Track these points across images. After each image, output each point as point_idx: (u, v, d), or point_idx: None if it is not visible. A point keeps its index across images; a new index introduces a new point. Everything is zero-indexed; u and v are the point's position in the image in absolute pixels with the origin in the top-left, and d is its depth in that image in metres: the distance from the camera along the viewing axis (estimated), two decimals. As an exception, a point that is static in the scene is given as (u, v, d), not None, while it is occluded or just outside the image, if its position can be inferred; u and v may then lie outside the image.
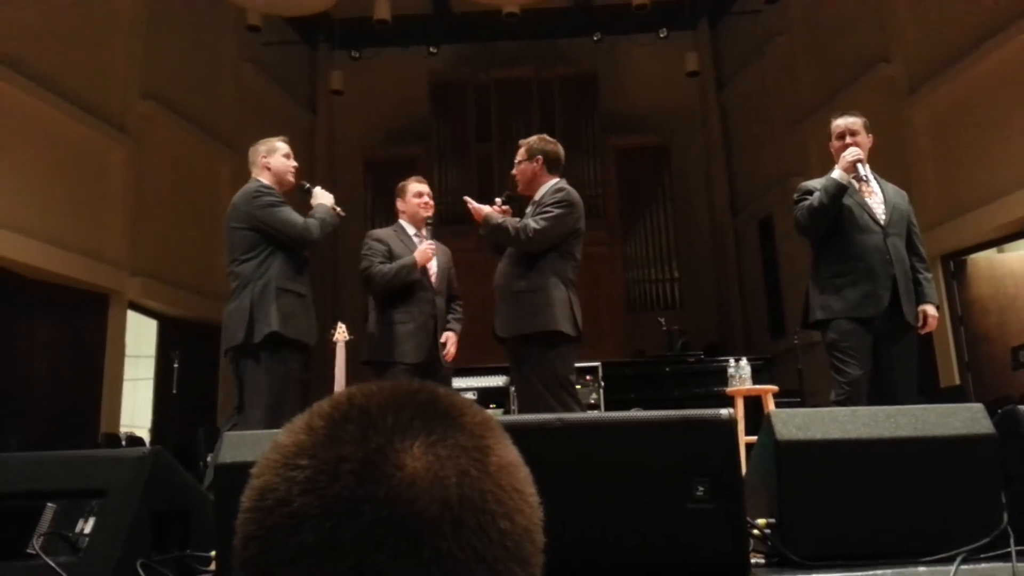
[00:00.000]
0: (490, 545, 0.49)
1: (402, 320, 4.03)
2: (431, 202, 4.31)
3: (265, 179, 3.82)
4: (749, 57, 10.66)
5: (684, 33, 11.03)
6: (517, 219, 3.77)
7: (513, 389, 5.29)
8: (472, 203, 3.88)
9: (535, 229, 3.64)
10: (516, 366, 3.73)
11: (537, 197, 3.84)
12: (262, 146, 3.90)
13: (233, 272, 3.69)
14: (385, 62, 11.10)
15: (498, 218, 3.77)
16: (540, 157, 3.84)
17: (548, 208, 3.70)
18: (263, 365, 3.55)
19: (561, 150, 3.93)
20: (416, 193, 4.30)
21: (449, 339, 4.20)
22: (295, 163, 3.94)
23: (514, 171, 3.93)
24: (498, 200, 3.96)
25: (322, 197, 3.93)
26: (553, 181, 3.85)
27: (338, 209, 3.96)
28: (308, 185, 4.04)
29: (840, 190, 3.55)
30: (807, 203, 3.61)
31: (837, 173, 3.59)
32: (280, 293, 3.60)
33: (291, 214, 3.72)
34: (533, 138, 3.95)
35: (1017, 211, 6.55)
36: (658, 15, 9.96)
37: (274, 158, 3.85)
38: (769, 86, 10.25)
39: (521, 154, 3.89)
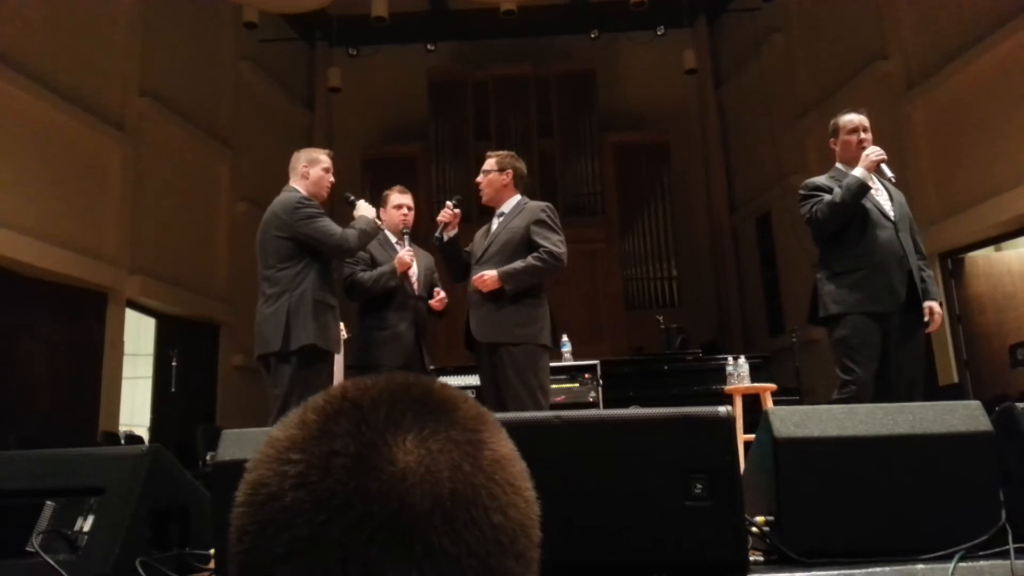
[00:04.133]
0: (483, 540, 0.49)
1: (383, 326, 4.12)
2: (410, 214, 4.36)
3: (301, 188, 3.85)
4: (747, 54, 10.64)
5: (682, 30, 11.03)
6: (525, 258, 3.72)
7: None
8: (479, 280, 3.74)
9: (562, 252, 3.77)
10: (492, 371, 3.74)
11: (505, 209, 3.92)
12: (304, 155, 3.95)
13: (269, 278, 3.70)
14: (383, 59, 11.09)
15: (513, 267, 3.70)
16: (511, 172, 3.92)
17: (552, 227, 3.81)
18: (301, 375, 3.57)
19: (526, 169, 4.04)
20: (396, 205, 4.36)
21: (437, 294, 4.27)
22: (332, 179, 3.97)
23: (480, 179, 3.97)
24: (449, 203, 3.97)
25: (364, 209, 3.98)
26: (519, 197, 3.95)
27: (379, 222, 4.06)
28: (352, 198, 4.11)
29: (863, 189, 3.46)
30: (828, 199, 3.50)
31: (860, 172, 3.48)
32: (315, 304, 3.64)
33: (329, 224, 3.76)
34: (503, 152, 4.03)
35: (1014, 209, 6.55)
36: (656, 12, 9.94)
37: (314, 169, 3.88)
38: (767, 83, 10.25)
39: (491, 164, 3.94)
